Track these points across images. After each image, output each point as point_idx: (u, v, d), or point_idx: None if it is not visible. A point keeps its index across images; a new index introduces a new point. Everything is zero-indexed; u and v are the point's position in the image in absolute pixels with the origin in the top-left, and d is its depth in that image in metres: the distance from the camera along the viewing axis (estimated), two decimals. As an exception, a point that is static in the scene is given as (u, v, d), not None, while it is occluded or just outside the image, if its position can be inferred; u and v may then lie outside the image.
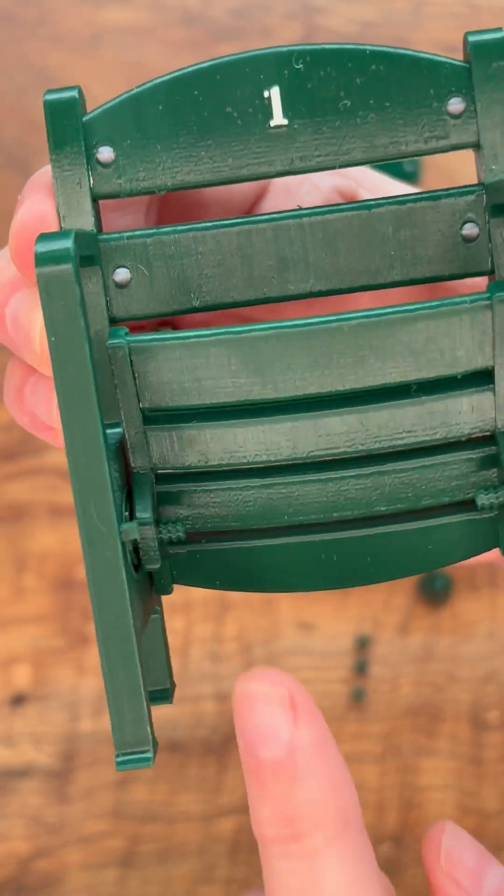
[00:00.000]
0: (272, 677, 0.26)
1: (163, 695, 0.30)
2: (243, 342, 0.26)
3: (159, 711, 0.46)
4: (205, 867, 0.45)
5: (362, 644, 0.46)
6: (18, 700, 0.45)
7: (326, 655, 0.46)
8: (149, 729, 0.26)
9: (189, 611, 0.46)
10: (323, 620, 0.46)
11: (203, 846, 0.45)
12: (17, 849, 0.45)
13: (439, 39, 0.49)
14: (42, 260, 0.24)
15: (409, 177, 0.48)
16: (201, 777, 0.45)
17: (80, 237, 0.25)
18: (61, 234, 0.24)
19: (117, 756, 0.26)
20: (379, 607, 0.46)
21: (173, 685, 0.30)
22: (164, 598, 0.46)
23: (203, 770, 0.45)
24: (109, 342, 0.26)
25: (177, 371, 0.26)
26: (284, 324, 0.26)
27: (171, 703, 0.29)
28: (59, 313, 0.24)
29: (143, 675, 0.26)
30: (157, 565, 0.27)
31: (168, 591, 0.28)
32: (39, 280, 0.24)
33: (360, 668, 0.45)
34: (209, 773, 0.45)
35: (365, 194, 0.32)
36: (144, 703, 0.26)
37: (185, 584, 0.28)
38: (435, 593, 0.46)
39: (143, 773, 0.45)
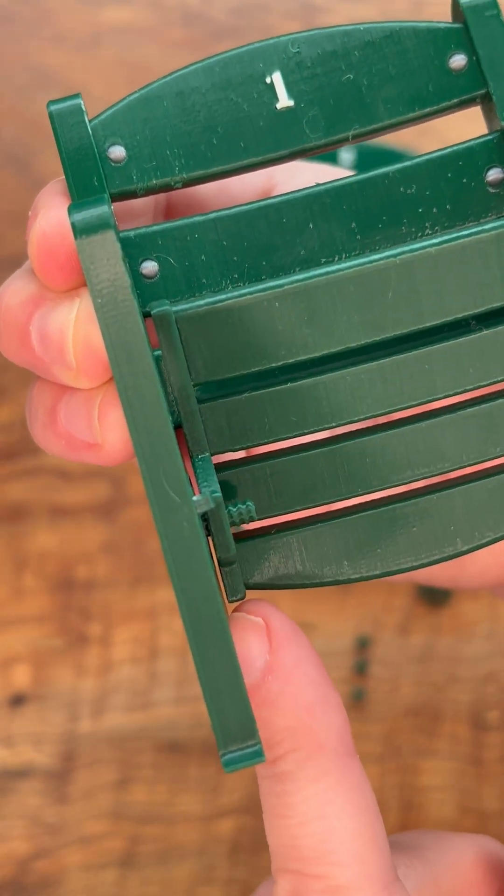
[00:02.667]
0: (251, 607, 0.26)
1: (257, 754, 0.27)
2: (293, 294, 0.25)
3: (159, 711, 0.46)
4: (205, 867, 0.45)
5: (362, 644, 0.46)
6: (18, 700, 0.45)
7: (326, 655, 0.46)
8: (253, 720, 0.24)
9: (189, 611, 0.46)
10: (323, 620, 0.46)
11: (203, 846, 0.45)
12: (17, 849, 0.45)
13: (439, 39, 0.49)
14: (82, 227, 0.24)
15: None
16: (201, 777, 0.45)
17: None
18: (93, 200, 0.24)
19: (223, 755, 0.24)
20: (379, 607, 0.46)
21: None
22: (164, 599, 0.46)
23: (203, 770, 0.45)
24: (155, 310, 0.25)
25: (227, 335, 0.25)
26: (334, 268, 0.25)
27: (265, 761, 0.26)
28: (104, 273, 0.24)
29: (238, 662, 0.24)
30: (232, 552, 0.26)
31: (241, 596, 0.27)
32: (81, 247, 0.24)
33: (360, 668, 0.45)
34: (209, 773, 0.45)
35: None
36: (244, 691, 0.24)
37: (261, 587, 0.27)
38: (435, 593, 0.46)
39: (143, 773, 0.45)
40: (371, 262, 0.25)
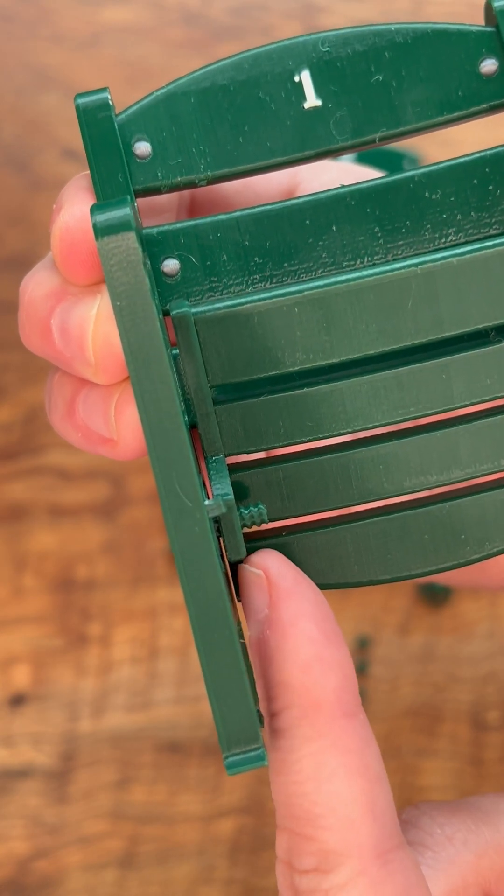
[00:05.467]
0: (256, 558, 0.26)
1: (259, 758, 0.27)
2: (312, 301, 0.25)
3: (159, 711, 0.46)
4: (205, 867, 0.45)
5: (362, 644, 0.46)
6: (18, 700, 0.45)
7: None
8: (257, 724, 0.24)
9: (189, 611, 0.46)
10: (323, 620, 0.46)
11: (203, 846, 0.45)
12: (17, 849, 0.45)
13: (439, 39, 0.49)
14: (103, 228, 0.24)
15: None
16: (201, 777, 0.45)
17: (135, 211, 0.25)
18: (115, 202, 0.24)
19: (227, 758, 0.24)
20: (379, 607, 0.46)
21: (260, 716, 0.27)
22: (164, 599, 0.46)
23: (203, 770, 0.45)
24: (174, 311, 0.25)
25: (245, 339, 0.25)
26: (354, 276, 0.25)
27: (262, 726, 0.26)
28: (123, 276, 0.24)
29: (247, 665, 0.24)
30: (243, 556, 0.26)
31: None
32: (102, 249, 0.24)
33: (360, 669, 0.45)
34: (209, 773, 0.45)
35: None
36: (251, 695, 0.24)
37: None
38: (435, 593, 0.46)
39: (143, 773, 0.45)
40: (391, 270, 0.25)
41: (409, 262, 0.25)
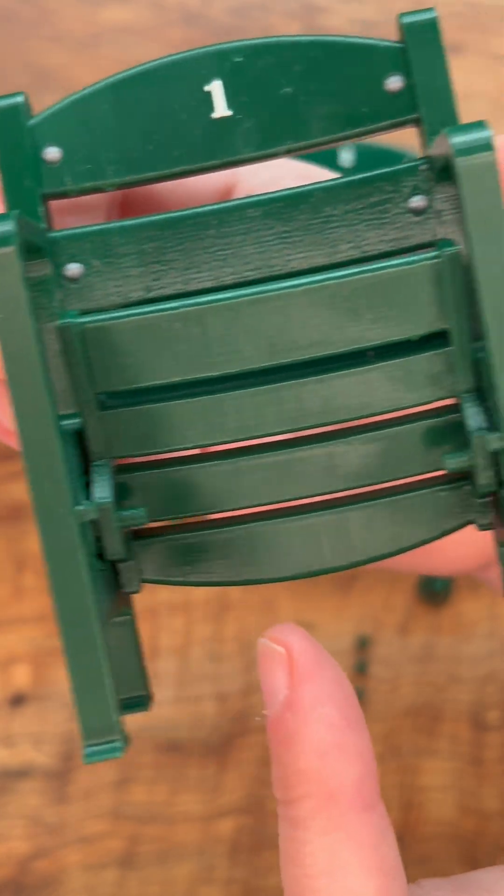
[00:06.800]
0: (278, 633, 0.26)
1: (139, 701, 0.29)
2: (192, 315, 0.26)
3: (159, 711, 0.46)
4: (205, 867, 0.45)
5: (362, 644, 0.46)
6: (18, 700, 0.45)
7: (326, 655, 0.46)
8: (115, 717, 0.25)
9: (189, 611, 0.46)
10: (323, 620, 0.46)
11: (203, 846, 0.45)
12: (17, 849, 0.45)
13: (439, 39, 0.49)
14: None
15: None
16: (201, 777, 0.45)
17: (26, 224, 0.25)
18: (2, 215, 0.24)
19: (85, 747, 0.25)
20: (379, 607, 0.46)
21: (150, 693, 0.29)
22: (164, 599, 0.46)
23: (203, 770, 0.45)
24: (59, 322, 0.26)
25: (129, 350, 0.26)
26: (232, 294, 0.26)
27: (147, 710, 0.29)
28: (4, 291, 0.24)
29: (109, 661, 0.25)
30: (121, 556, 0.27)
31: (135, 589, 0.28)
32: None
33: (361, 668, 0.45)
34: (209, 773, 0.45)
35: None
36: (109, 688, 0.25)
37: (156, 583, 0.28)
38: (435, 593, 0.46)
39: (143, 773, 0.45)
40: (273, 289, 0.26)
41: (291, 282, 0.26)
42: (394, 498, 0.28)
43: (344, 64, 0.27)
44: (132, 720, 0.47)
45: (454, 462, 0.26)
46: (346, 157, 0.49)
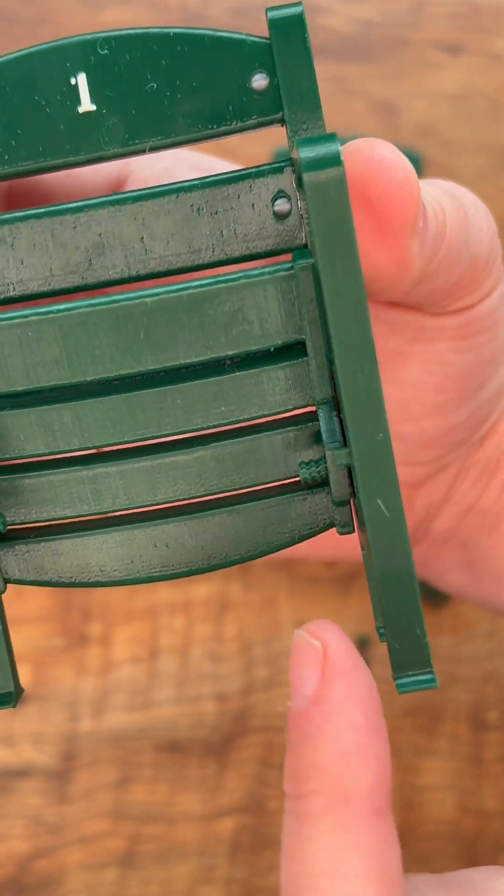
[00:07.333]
0: (316, 628, 0.25)
1: (6, 698, 0.29)
2: (45, 323, 0.25)
3: (159, 711, 0.46)
4: (205, 867, 0.45)
5: (362, 644, 0.46)
6: (18, 700, 0.45)
7: (326, 655, 0.46)
8: None
9: (189, 611, 0.46)
10: (323, 620, 0.46)
11: (203, 846, 0.45)
12: (17, 849, 0.45)
13: (439, 39, 0.49)
14: None
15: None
16: (201, 777, 0.45)
17: None
18: None
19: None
20: (379, 607, 0.46)
21: (19, 689, 0.29)
22: (164, 598, 0.46)
23: (203, 770, 0.45)
24: None
25: None
26: (84, 303, 0.25)
27: (14, 706, 0.29)
28: None
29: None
30: None
31: (0, 589, 0.28)
32: None
33: (360, 668, 0.45)
34: (209, 773, 0.45)
35: None
36: None
37: (21, 583, 0.28)
38: (435, 593, 0.46)
39: (143, 773, 0.45)
40: (125, 299, 0.25)
41: (141, 292, 0.25)
42: (255, 503, 0.28)
43: (210, 59, 0.26)
44: (132, 720, 0.47)
45: (308, 473, 0.27)
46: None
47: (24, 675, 0.45)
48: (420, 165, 0.49)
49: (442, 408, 0.32)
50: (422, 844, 0.45)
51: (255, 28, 0.48)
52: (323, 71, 0.48)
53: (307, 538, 0.28)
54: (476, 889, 0.27)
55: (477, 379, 0.32)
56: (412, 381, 0.31)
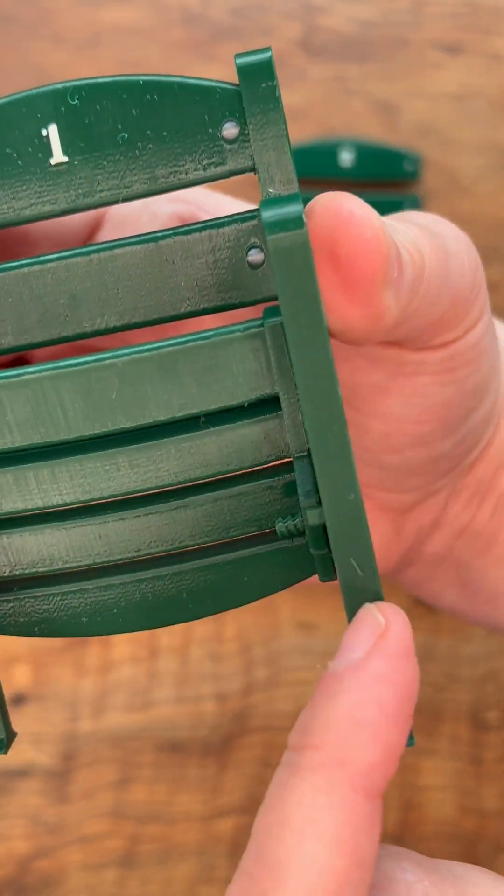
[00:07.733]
0: (387, 608, 0.25)
1: None
2: (16, 386, 0.25)
3: (159, 711, 0.46)
4: (205, 867, 0.45)
5: (362, 644, 0.46)
6: (18, 700, 0.45)
7: (326, 655, 0.46)
8: None
9: (189, 611, 0.46)
10: (323, 620, 0.46)
11: (203, 846, 0.45)
12: (17, 849, 0.45)
13: (439, 39, 0.49)
14: None
15: (411, 176, 0.48)
16: (201, 777, 0.45)
17: None
18: None
19: None
20: (379, 607, 0.46)
21: (10, 735, 0.29)
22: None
23: (203, 770, 0.45)
24: None
25: None
26: (55, 365, 0.25)
27: (5, 752, 0.28)
28: None
29: None
30: None
31: None
32: None
33: (360, 668, 0.45)
34: (209, 773, 0.45)
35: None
36: None
37: (4, 633, 0.28)
38: (435, 593, 0.46)
39: (143, 773, 0.45)
40: (96, 360, 0.25)
41: (111, 352, 0.25)
42: (236, 552, 0.28)
43: (181, 108, 0.26)
44: (132, 720, 0.47)
45: (284, 527, 0.27)
46: (347, 157, 0.49)
47: (24, 675, 0.45)
48: (420, 165, 0.49)
49: (425, 438, 0.32)
50: (422, 844, 0.45)
51: (255, 28, 0.48)
52: (323, 71, 0.48)
53: (290, 585, 0.28)
54: (455, 876, 0.27)
55: (461, 410, 0.32)
56: (393, 413, 0.31)
